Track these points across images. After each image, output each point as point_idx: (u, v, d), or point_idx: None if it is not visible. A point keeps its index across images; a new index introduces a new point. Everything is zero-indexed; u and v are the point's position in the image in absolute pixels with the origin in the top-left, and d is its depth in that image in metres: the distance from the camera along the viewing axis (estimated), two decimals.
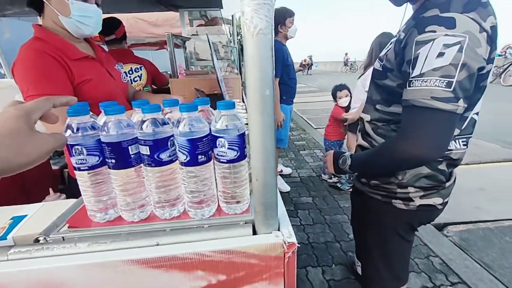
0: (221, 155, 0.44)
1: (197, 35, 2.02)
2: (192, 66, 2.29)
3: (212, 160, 0.46)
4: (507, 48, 8.82)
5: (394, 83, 0.69)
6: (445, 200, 0.81)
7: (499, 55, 9.31)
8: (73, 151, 0.42)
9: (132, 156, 0.44)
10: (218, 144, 0.44)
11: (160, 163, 0.44)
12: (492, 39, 0.57)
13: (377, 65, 0.77)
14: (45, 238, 0.44)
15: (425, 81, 0.56)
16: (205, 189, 0.46)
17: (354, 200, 1.00)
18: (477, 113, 0.75)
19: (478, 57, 0.54)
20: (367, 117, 0.83)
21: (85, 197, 0.46)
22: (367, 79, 1.52)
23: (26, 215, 0.53)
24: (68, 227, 0.46)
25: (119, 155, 0.43)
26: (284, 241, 0.42)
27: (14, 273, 0.39)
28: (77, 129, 0.42)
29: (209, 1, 2.24)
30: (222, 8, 2.53)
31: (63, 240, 0.44)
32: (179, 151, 0.43)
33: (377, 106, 0.79)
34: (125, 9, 2.80)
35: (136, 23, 3.56)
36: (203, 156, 0.44)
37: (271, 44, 0.34)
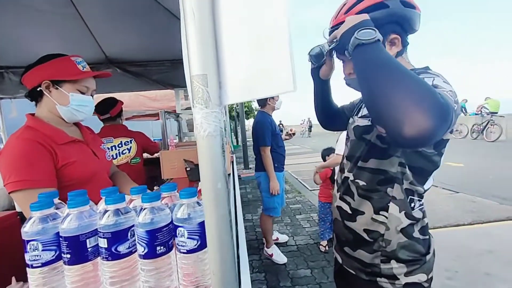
0: (181, 245, 0.43)
1: (190, 108, 2.22)
2: (186, 137, 2.42)
3: (173, 250, 0.45)
4: (481, 108, 9.54)
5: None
6: (430, 276, 0.75)
7: (476, 114, 10.00)
8: (28, 247, 0.42)
9: (89, 249, 0.43)
10: (178, 234, 0.43)
11: (118, 256, 0.42)
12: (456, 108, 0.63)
13: (362, 122, 0.79)
14: None
15: (439, 88, 0.56)
16: (165, 282, 0.44)
17: (338, 281, 0.92)
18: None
19: (453, 108, 0.54)
20: (350, 176, 0.82)
21: None
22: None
23: None
24: None
25: (75, 248, 0.42)
26: None
27: None
28: (39, 221, 0.42)
29: None
30: None
31: None
32: (138, 243, 0.43)
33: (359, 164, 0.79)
34: (128, 89, 3.12)
35: (137, 99, 3.90)
36: (162, 247, 0.43)
37: (220, 143, 0.37)
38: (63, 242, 0.42)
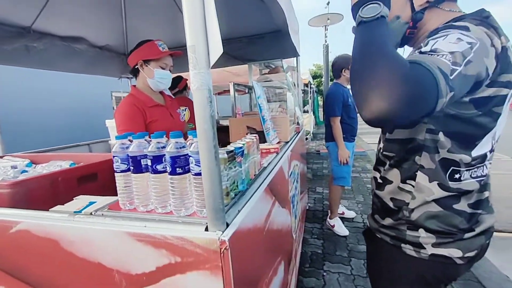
0: (192, 169, 0.62)
1: (259, 82, 2.39)
2: (256, 108, 2.64)
3: (188, 174, 0.65)
4: None
5: None
6: (467, 255, 0.69)
7: None
8: (114, 160, 0.70)
9: (143, 165, 0.68)
10: (190, 162, 0.62)
11: (157, 172, 0.66)
12: (499, 58, 0.55)
13: None
14: (93, 212, 0.71)
15: (439, 53, 0.51)
16: (184, 199, 0.65)
17: (367, 242, 0.94)
18: (491, 150, 0.67)
19: (482, 64, 0.53)
20: (381, 147, 0.82)
21: (119, 192, 0.73)
22: None
23: (95, 201, 0.84)
24: (108, 209, 0.73)
25: (135, 164, 0.68)
26: (219, 238, 0.54)
27: (75, 227, 0.66)
28: (118, 146, 0.70)
29: (286, 53, 2.65)
30: (299, 55, 2.89)
31: (102, 215, 0.70)
32: (167, 165, 0.64)
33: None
34: (218, 65, 3.57)
35: (223, 74, 4.39)
36: (180, 169, 0.63)
37: (206, 95, 0.52)
38: (130, 159, 0.68)
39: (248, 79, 2.74)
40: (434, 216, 0.69)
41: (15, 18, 1.85)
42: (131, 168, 0.69)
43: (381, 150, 0.81)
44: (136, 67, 1.24)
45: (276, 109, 2.00)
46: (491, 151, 0.68)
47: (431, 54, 0.52)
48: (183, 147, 0.64)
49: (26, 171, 1.27)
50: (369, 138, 8.11)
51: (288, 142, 1.88)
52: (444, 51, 0.51)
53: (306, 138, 8.06)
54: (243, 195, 0.81)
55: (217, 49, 0.51)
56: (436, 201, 0.69)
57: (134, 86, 1.31)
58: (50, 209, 0.76)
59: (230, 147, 0.78)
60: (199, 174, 0.61)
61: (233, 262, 0.55)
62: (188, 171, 0.65)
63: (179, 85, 2.48)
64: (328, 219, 2.64)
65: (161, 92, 1.39)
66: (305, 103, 9.58)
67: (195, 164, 0.61)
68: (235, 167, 0.76)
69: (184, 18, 0.52)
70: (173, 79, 2.44)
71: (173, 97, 1.53)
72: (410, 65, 0.48)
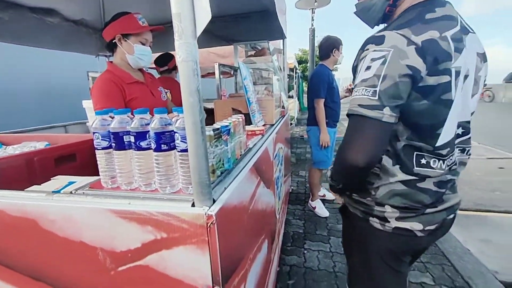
0: (178, 146, 0.61)
1: (249, 63, 2.34)
2: (241, 90, 2.61)
3: (174, 151, 0.64)
4: None
5: None
6: (427, 228, 0.75)
7: None
8: (94, 136, 0.67)
9: (125, 142, 0.66)
10: (176, 138, 0.61)
11: (140, 148, 0.64)
12: (425, 50, 0.59)
13: None
14: (73, 191, 0.68)
15: (356, 91, 0.65)
16: (170, 176, 0.64)
17: (342, 218, 0.99)
18: (463, 132, 0.71)
19: (401, 67, 0.59)
20: None
21: (100, 170, 0.70)
22: None
23: (75, 181, 0.81)
24: (89, 187, 0.71)
25: (117, 140, 0.66)
26: (205, 213, 0.54)
27: (55, 206, 0.64)
28: (98, 121, 0.67)
29: (273, 34, 2.59)
30: (286, 38, 2.84)
31: (83, 193, 0.68)
32: (151, 141, 0.63)
33: None
34: (202, 46, 3.44)
35: (209, 56, 4.26)
36: (165, 145, 0.62)
37: (192, 67, 0.50)
38: (112, 135, 0.66)
39: (234, 60, 2.67)
40: (399, 194, 0.74)
41: None
42: (113, 145, 0.67)
43: None
44: (113, 41, 1.15)
45: (262, 91, 1.99)
46: (458, 137, 0.72)
47: (354, 93, 0.66)
48: (169, 124, 0.62)
49: None
50: None
51: (273, 125, 1.88)
52: (361, 87, 0.63)
53: (291, 123, 8.11)
54: (229, 173, 0.81)
55: (204, 16, 0.49)
56: (402, 182, 0.73)
57: (111, 62, 1.23)
58: (25, 189, 0.73)
59: (216, 125, 0.77)
60: (185, 150, 0.60)
61: (219, 237, 0.56)
62: (174, 147, 0.63)
63: (169, 64, 2.31)
64: (309, 201, 2.73)
65: (141, 70, 1.32)
66: (290, 88, 9.56)
67: (181, 141, 0.60)
68: (221, 145, 0.75)
69: None
70: (163, 56, 2.30)
71: (153, 76, 1.45)
72: (349, 120, 0.67)
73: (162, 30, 1.24)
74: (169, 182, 0.65)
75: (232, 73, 2.60)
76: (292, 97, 8.99)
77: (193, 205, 0.58)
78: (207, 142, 0.67)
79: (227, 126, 0.80)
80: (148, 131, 0.64)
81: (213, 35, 2.81)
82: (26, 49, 2.28)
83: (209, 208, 0.56)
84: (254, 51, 2.70)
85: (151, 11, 2.37)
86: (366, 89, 0.62)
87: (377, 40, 0.63)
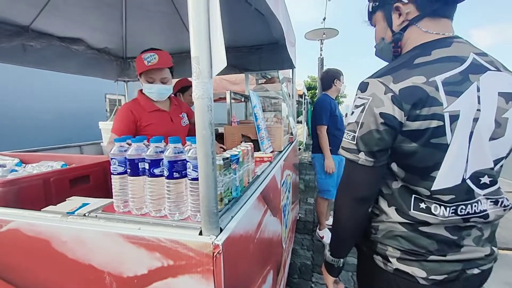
0: (189, 174, 0.64)
1: (255, 91, 2.44)
2: (251, 117, 2.68)
3: (185, 179, 0.67)
4: None
5: None
6: (432, 277, 0.68)
7: None
8: (111, 162, 0.71)
9: (140, 169, 0.70)
10: (188, 167, 0.64)
11: (154, 175, 0.67)
12: (403, 97, 0.60)
13: None
14: (87, 214, 0.71)
15: (344, 133, 0.70)
16: (178, 198, 0.66)
17: (357, 250, 0.97)
18: (491, 181, 0.65)
19: (375, 115, 0.62)
20: None
21: (114, 194, 0.73)
22: None
23: (88, 203, 0.84)
24: (102, 211, 0.73)
25: (133, 167, 0.69)
26: (212, 242, 0.55)
27: (68, 228, 0.66)
28: (116, 148, 0.71)
29: (282, 64, 2.72)
30: (295, 67, 2.97)
31: (96, 216, 0.70)
32: (164, 169, 0.66)
33: None
34: None
35: (221, 82, 4.45)
36: (177, 173, 0.65)
37: (207, 104, 0.54)
38: (128, 162, 0.70)
39: (245, 88, 2.79)
40: (399, 235, 0.70)
41: (14, 17, 1.85)
42: (128, 170, 0.70)
43: None
44: (137, 77, 1.35)
45: (271, 118, 2.04)
46: (486, 186, 0.65)
47: (343, 140, 0.71)
48: (181, 152, 0.66)
49: (16, 171, 1.25)
50: None
51: (281, 151, 1.91)
52: (346, 130, 0.69)
53: (299, 149, 8.12)
54: (237, 201, 0.82)
55: (221, 62, 0.54)
56: (400, 224, 0.70)
57: (141, 91, 1.39)
58: (42, 209, 0.76)
59: (226, 154, 0.80)
60: (196, 179, 0.63)
61: (225, 267, 0.57)
62: (185, 175, 0.66)
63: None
64: (317, 230, 2.66)
65: (169, 97, 1.47)
66: (299, 114, 9.71)
67: (193, 169, 0.63)
68: (230, 173, 0.78)
69: (189, 29, 0.55)
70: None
71: (180, 102, 1.60)
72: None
73: (169, 66, 1.37)
74: (178, 209, 0.67)
75: (242, 100, 2.69)
76: (300, 122, 9.10)
77: (200, 233, 0.60)
78: (216, 172, 0.70)
79: (236, 155, 0.83)
80: (162, 159, 0.67)
81: (227, 64, 2.97)
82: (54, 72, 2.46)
83: (216, 237, 0.57)
84: (265, 80, 2.81)
85: (168, 41, 2.56)
86: (348, 133, 0.68)
87: (362, 86, 0.67)
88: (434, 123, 0.60)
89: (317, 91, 6.90)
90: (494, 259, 0.72)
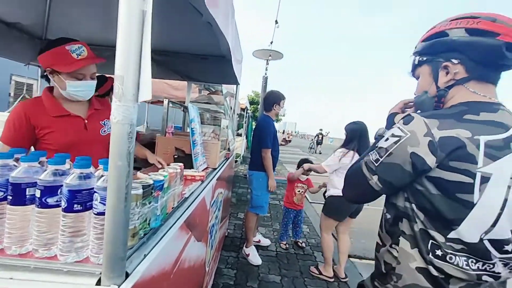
0: (95, 207, 0.54)
1: (197, 102, 2.35)
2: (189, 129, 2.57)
3: (89, 212, 0.55)
4: None
5: None
6: None
7: None
8: None
9: (27, 196, 0.55)
10: (95, 198, 0.54)
11: (45, 206, 0.54)
12: (441, 145, 0.61)
13: None
14: None
15: (372, 151, 0.73)
16: (75, 235, 0.54)
17: None
18: (497, 241, 0.63)
19: (406, 153, 0.65)
20: (384, 209, 0.82)
21: None
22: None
23: None
24: None
25: (17, 192, 0.54)
26: None
27: None
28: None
29: (227, 79, 2.69)
30: (239, 84, 2.98)
31: None
32: (62, 198, 0.54)
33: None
34: (154, 76, 3.36)
35: (161, 85, 4.14)
36: (79, 206, 0.53)
37: (127, 130, 0.47)
38: (10, 186, 0.54)
39: (186, 96, 2.66)
40: None
41: None
42: (9, 198, 0.54)
43: (384, 211, 0.81)
44: (44, 73, 1.05)
45: (209, 133, 1.98)
46: (507, 253, 0.63)
47: (369, 153, 0.75)
48: (89, 178, 0.55)
49: None
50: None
51: (216, 169, 1.86)
52: (376, 149, 0.72)
53: (236, 161, 8.17)
54: (155, 233, 0.73)
55: (147, 91, 0.48)
56: (419, 269, 0.68)
57: (48, 88, 1.11)
58: None
59: (149, 180, 0.71)
60: (102, 213, 0.53)
61: None
62: (90, 208, 0.55)
63: (99, 89, 1.96)
64: (244, 247, 2.66)
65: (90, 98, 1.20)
66: (240, 126, 9.85)
67: (100, 202, 0.53)
68: (150, 203, 0.69)
69: (117, 40, 0.47)
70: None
71: (106, 105, 1.31)
72: (357, 164, 0.77)
73: (103, 61, 1.14)
74: (74, 249, 0.54)
75: (182, 109, 2.56)
76: (240, 135, 9.23)
77: (99, 282, 0.50)
78: (133, 202, 0.61)
79: (161, 180, 0.75)
80: (61, 185, 0.55)
81: (167, 68, 2.79)
82: None
83: (119, 286, 0.48)
84: (208, 91, 2.75)
85: (102, 29, 2.25)
86: (375, 153, 0.71)
87: (407, 120, 0.68)
88: (464, 179, 0.60)
89: (259, 107, 7.17)
90: None
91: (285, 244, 2.94)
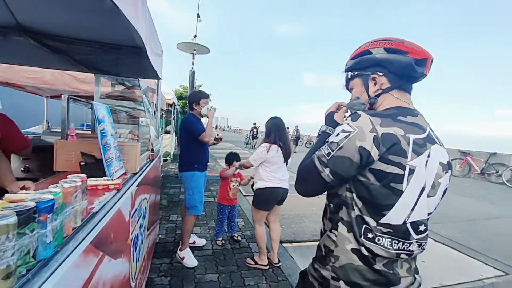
0: None
1: (110, 98, 2.05)
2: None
3: None
4: None
5: None
6: None
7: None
8: None
9: None
10: None
11: None
12: (382, 140, 0.70)
13: None
14: None
15: (324, 146, 0.79)
16: None
17: (301, 282, 0.97)
18: (425, 229, 0.78)
19: (355, 147, 0.71)
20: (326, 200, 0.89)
21: None
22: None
23: None
24: None
25: None
26: None
27: None
28: None
29: (145, 73, 2.41)
30: (160, 79, 2.71)
31: None
32: None
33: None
34: (44, 65, 2.76)
35: (62, 77, 3.47)
36: None
37: None
38: None
39: (94, 91, 2.28)
40: (356, 269, 0.76)
41: None
42: None
43: (326, 202, 0.89)
44: None
45: (126, 134, 1.76)
46: (420, 233, 0.77)
47: (321, 147, 0.80)
48: None
49: None
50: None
51: (137, 173, 1.67)
52: (326, 145, 0.79)
53: (166, 160, 7.63)
54: (46, 266, 0.60)
55: None
56: (354, 251, 0.76)
57: None
58: None
59: (30, 202, 0.57)
60: None
61: None
62: None
63: None
64: (178, 251, 2.52)
65: None
66: (168, 123, 9.23)
67: None
68: (32, 230, 0.55)
69: None
70: None
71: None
72: (309, 159, 0.83)
73: None
74: None
75: (89, 107, 2.19)
76: (169, 132, 8.67)
77: None
78: (2, 236, 0.47)
79: (48, 201, 0.61)
80: None
81: (69, 57, 2.34)
82: None
83: None
84: (123, 87, 2.43)
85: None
86: (327, 148, 0.77)
87: (354, 117, 0.75)
88: (397, 170, 0.70)
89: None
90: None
91: (221, 241, 2.93)
